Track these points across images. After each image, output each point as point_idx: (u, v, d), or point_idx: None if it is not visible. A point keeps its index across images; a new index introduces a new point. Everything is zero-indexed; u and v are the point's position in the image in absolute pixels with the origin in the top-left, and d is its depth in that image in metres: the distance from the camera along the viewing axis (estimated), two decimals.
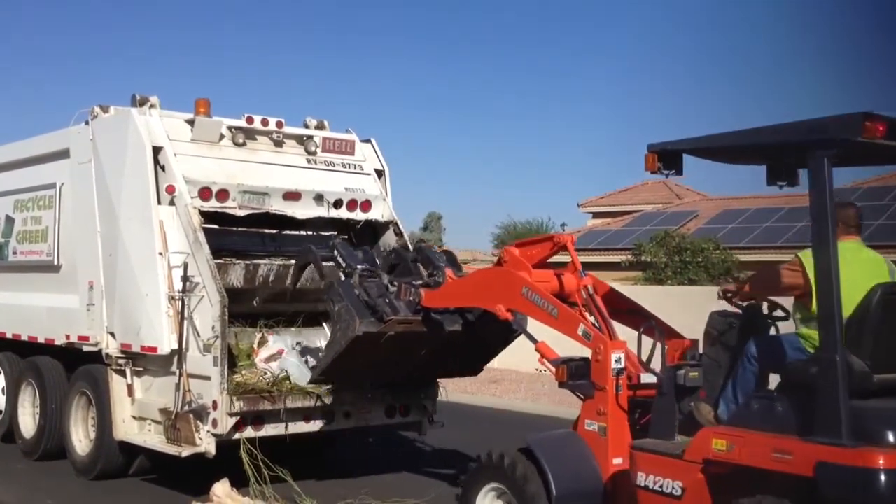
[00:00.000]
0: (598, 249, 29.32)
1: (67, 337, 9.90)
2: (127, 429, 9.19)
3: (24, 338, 10.83)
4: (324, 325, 10.55)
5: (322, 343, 10.07)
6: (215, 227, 9.08)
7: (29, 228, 10.86)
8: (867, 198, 27.93)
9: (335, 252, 8.67)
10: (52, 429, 10.25)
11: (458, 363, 9.20)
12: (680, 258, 21.07)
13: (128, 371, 9.19)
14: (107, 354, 9.28)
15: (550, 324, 6.83)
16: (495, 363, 18.28)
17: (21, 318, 10.99)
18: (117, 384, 9.24)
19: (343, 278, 8.35)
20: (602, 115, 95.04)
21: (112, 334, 9.30)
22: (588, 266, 30.22)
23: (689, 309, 16.70)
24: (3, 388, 11.46)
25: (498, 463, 6.57)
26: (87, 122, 9.86)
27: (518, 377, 18.99)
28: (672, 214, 31.09)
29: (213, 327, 8.27)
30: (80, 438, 9.86)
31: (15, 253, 11.14)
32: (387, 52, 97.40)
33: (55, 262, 10.31)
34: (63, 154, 10.27)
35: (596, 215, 36.30)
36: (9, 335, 11.22)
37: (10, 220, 11.26)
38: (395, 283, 8.24)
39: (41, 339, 10.50)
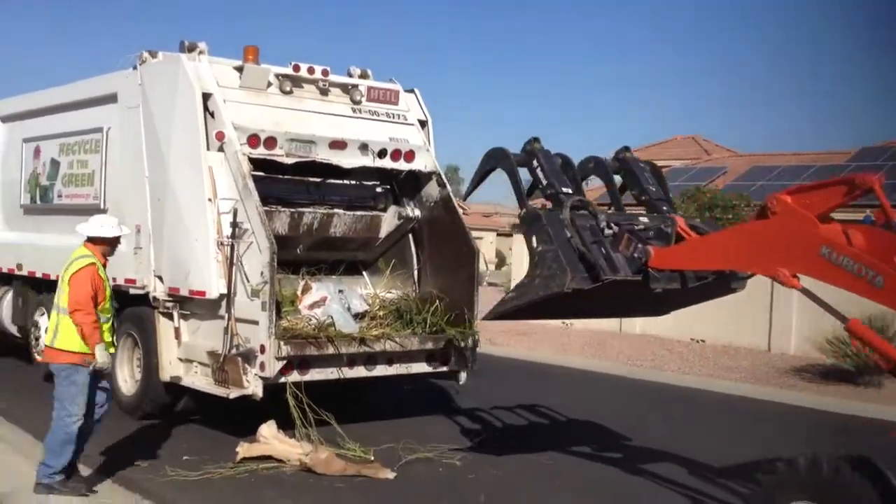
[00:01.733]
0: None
1: (114, 280, 10.01)
2: (173, 370, 9.37)
3: None
4: (363, 273, 10.73)
5: (362, 291, 10.25)
6: (261, 174, 9.17)
7: (75, 172, 10.99)
8: None
9: (534, 161, 7.38)
10: None
11: (652, 310, 9.01)
12: (711, 214, 20.97)
13: (175, 314, 9.35)
14: (154, 297, 9.44)
15: (866, 294, 5.47)
16: None
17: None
18: (164, 327, 9.41)
19: (548, 210, 7.14)
20: (632, 71, 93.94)
21: (160, 278, 9.46)
22: None
23: None
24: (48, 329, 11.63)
25: (811, 472, 5.00)
26: (135, 67, 9.93)
27: (544, 330, 19.16)
28: (701, 170, 30.87)
29: (261, 273, 8.39)
30: (126, 379, 10.07)
31: (60, 196, 11.30)
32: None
33: (101, 206, 10.42)
34: (110, 98, 10.35)
35: None
36: (54, 276, 11.37)
37: (55, 164, 11.40)
38: (614, 225, 7.06)
39: None
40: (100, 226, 7.14)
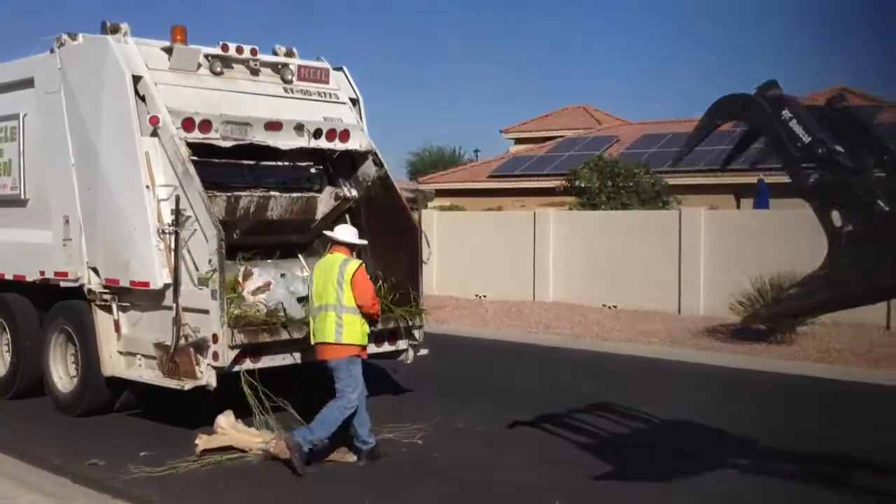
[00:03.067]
0: (524, 175, 29.65)
1: (42, 273, 9.68)
2: (115, 364, 9.09)
3: None
4: (299, 256, 10.59)
5: (301, 274, 10.11)
6: (195, 158, 8.92)
7: None
8: None
9: (784, 111, 5.82)
10: (27, 366, 10.07)
11: None
12: (612, 183, 21.50)
13: (114, 306, 9.06)
14: (89, 290, 9.12)
15: None
16: (434, 289, 18.60)
17: None
18: (102, 320, 9.11)
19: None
20: (520, 44, 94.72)
21: (94, 269, 9.14)
22: (518, 192, 30.96)
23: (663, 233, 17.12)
24: None
25: None
26: (52, 51, 9.51)
27: (456, 303, 19.31)
28: (594, 139, 31.55)
29: (209, 261, 8.20)
30: (61, 375, 9.72)
31: None
32: None
33: (21, 196, 10.01)
34: (26, 83, 9.90)
35: (518, 141, 36.55)
36: None
37: None
38: None
39: (8, 276, 10.24)
40: (354, 234, 8.14)
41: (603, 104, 48.26)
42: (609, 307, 18.39)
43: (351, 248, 8.00)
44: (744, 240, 16.94)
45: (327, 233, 8.33)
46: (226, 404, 8.28)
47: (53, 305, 9.77)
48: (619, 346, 14.57)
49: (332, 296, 7.57)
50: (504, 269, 20.22)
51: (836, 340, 14.06)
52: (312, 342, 7.79)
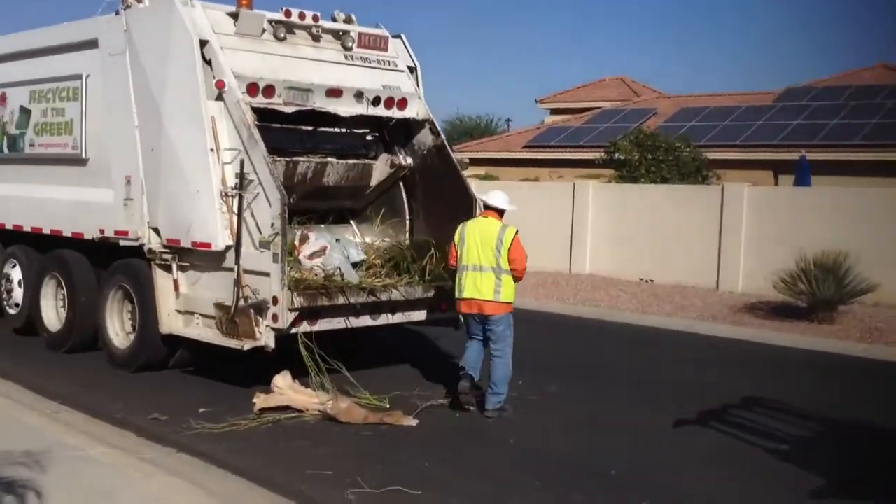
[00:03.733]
0: (560, 146, 29.61)
1: (102, 231, 9.86)
2: (172, 322, 9.27)
3: (46, 231, 10.74)
4: (351, 222, 10.73)
5: (354, 239, 10.26)
6: (259, 123, 9.02)
7: (49, 120, 10.64)
8: (822, 97, 28.63)
9: None
10: (83, 322, 10.30)
11: None
12: (653, 156, 21.45)
13: (173, 266, 9.22)
14: (150, 249, 9.29)
15: None
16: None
17: (41, 211, 10.86)
18: (162, 279, 9.27)
19: None
20: (554, 13, 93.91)
21: (155, 230, 9.30)
22: (553, 163, 30.91)
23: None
24: (20, 282, 11.37)
25: None
26: (117, 13, 9.62)
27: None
28: (631, 112, 31.39)
29: (272, 224, 8.30)
30: (117, 332, 9.94)
31: (32, 145, 10.93)
32: None
33: (82, 156, 10.17)
34: (90, 44, 10.02)
35: (554, 111, 36.42)
36: (26, 228, 11.10)
37: (25, 111, 11.01)
38: None
39: (67, 233, 10.44)
40: (508, 201, 8.55)
41: (640, 75, 47.97)
42: (646, 281, 18.43)
43: (501, 213, 8.51)
44: (786, 217, 16.92)
45: (482, 197, 8.78)
46: (275, 364, 8.47)
47: (112, 263, 9.96)
48: (659, 320, 14.63)
49: (490, 258, 8.29)
50: (541, 239, 20.21)
51: (878, 321, 14.05)
52: (458, 296, 8.48)
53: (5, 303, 11.58)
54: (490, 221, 8.48)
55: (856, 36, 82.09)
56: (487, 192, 8.76)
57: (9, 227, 11.39)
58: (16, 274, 11.44)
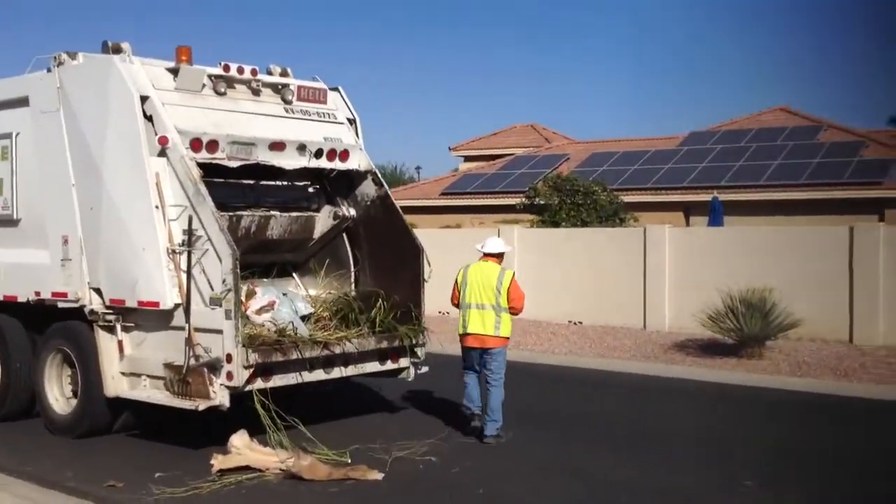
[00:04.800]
0: (478, 192, 29.92)
1: (38, 294, 9.54)
2: (117, 385, 8.98)
3: None
4: (293, 275, 10.63)
5: (298, 292, 10.16)
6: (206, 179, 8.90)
7: None
8: (725, 140, 29.68)
9: None
10: (19, 388, 9.92)
11: None
12: (571, 200, 21.83)
13: (117, 327, 8.97)
14: (91, 311, 9.02)
15: None
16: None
17: None
18: (105, 340, 9.00)
19: None
20: (461, 61, 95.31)
21: (97, 290, 9.04)
22: (472, 209, 31.14)
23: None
24: None
25: None
26: (49, 70, 9.41)
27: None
28: (544, 157, 31.98)
29: (223, 280, 8.19)
30: (57, 397, 9.58)
31: None
32: None
33: (13, 216, 9.86)
34: (19, 102, 9.77)
35: (467, 159, 36.83)
36: None
37: None
38: None
39: None
40: (503, 244, 9.59)
41: (548, 121, 48.98)
42: (575, 323, 18.66)
43: (500, 257, 9.42)
44: (707, 256, 17.39)
45: (479, 247, 9.52)
46: (225, 423, 8.32)
47: (50, 326, 9.62)
48: (594, 361, 14.81)
49: (491, 297, 9.13)
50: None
51: (804, 355, 14.49)
52: (463, 332, 9.29)
53: None
54: (490, 265, 9.32)
55: (755, 80, 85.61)
56: (485, 241, 9.57)
57: None
58: None
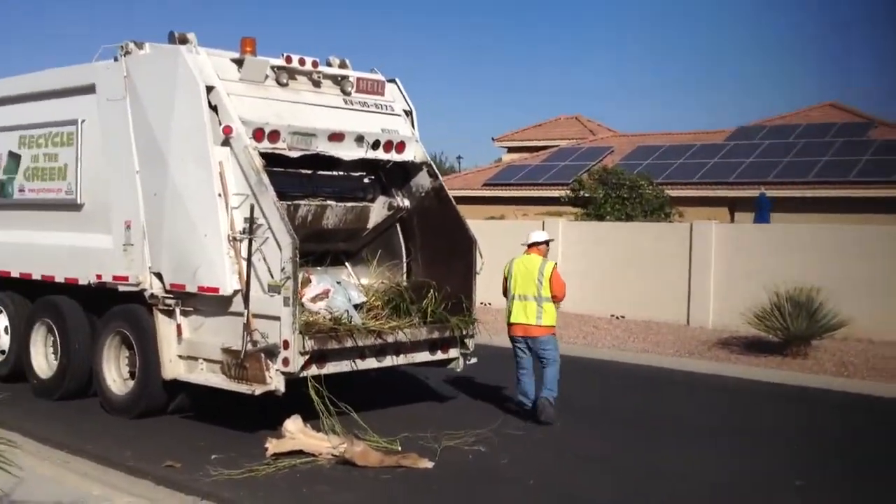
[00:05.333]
0: (521, 184, 29.97)
1: (99, 277, 9.79)
2: (174, 368, 9.21)
3: (37, 276, 10.61)
4: (346, 264, 10.80)
5: (351, 280, 10.32)
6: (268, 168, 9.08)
7: (41, 165, 10.56)
8: (773, 135, 29.44)
9: None
10: (77, 368, 10.18)
11: None
12: (617, 194, 21.85)
13: (176, 311, 9.19)
14: (152, 294, 9.25)
15: None
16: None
17: (31, 257, 10.73)
18: (164, 324, 9.23)
19: None
20: (507, 52, 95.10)
21: (157, 275, 9.27)
22: (515, 201, 31.17)
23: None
24: (7, 328, 11.21)
25: None
26: (116, 59, 9.63)
27: None
28: (589, 150, 31.93)
29: (282, 269, 8.37)
30: (114, 378, 9.83)
31: (22, 190, 10.83)
32: None
33: (77, 200, 10.11)
34: (86, 90, 10.00)
35: (511, 150, 36.87)
36: (15, 274, 10.95)
37: (13, 157, 10.92)
38: None
39: (59, 279, 10.33)
40: (545, 234, 10.21)
41: (593, 113, 48.86)
42: (618, 317, 18.70)
43: (545, 246, 9.96)
44: (753, 253, 17.35)
45: (525, 243, 9.96)
46: (276, 408, 8.54)
47: (109, 309, 9.88)
48: (637, 356, 14.87)
49: (533, 289, 9.60)
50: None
51: (850, 355, 14.44)
52: (510, 322, 9.78)
53: None
54: (533, 257, 9.82)
55: (803, 75, 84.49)
56: (529, 234, 10.11)
57: None
58: (2, 321, 11.27)
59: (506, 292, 9.91)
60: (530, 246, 9.91)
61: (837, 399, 11.77)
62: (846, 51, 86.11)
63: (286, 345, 8.36)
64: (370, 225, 10.42)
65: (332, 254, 10.68)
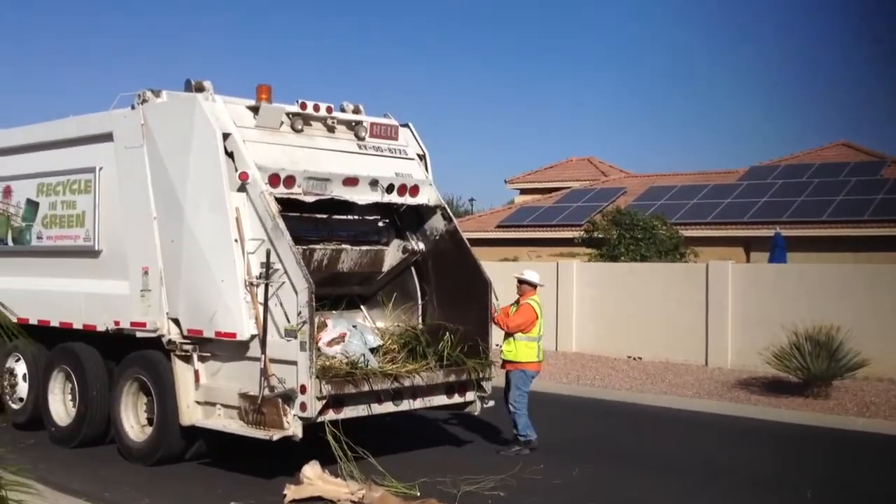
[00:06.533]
0: (534, 225, 29.97)
1: (117, 323, 9.82)
2: (192, 414, 9.21)
3: (55, 323, 10.65)
4: (361, 308, 10.80)
5: (366, 324, 10.31)
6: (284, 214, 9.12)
7: (59, 213, 10.65)
8: (786, 175, 29.42)
9: None
10: (94, 415, 10.17)
11: None
12: (631, 235, 21.84)
13: (194, 356, 9.20)
14: (169, 340, 9.26)
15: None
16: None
17: (49, 304, 10.77)
18: (181, 370, 9.24)
19: None
20: (513, 96, 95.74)
21: (175, 320, 9.29)
22: (528, 242, 31.13)
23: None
24: (25, 375, 11.24)
25: None
26: (133, 107, 9.75)
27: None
28: (601, 191, 31.95)
29: (299, 313, 8.39)
30: (132, 425, 9.84)
31: (40, 237, 10.91)
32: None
33: (95, 247, 10.18)
34: (103, 138, 10.11)
35: (523, 191, 36.95)
36: (33, 321, 10.97)
37: (32, 204, 11.01)
38: None
39: (78, 325, 10.36)
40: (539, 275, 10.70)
41: (605, 155, 48.93)
42: (635, 358, 18.59)
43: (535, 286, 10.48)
44: (770, 293, 17.25)
45: (539, 283, 10.58)
46: (292, 454, 8.53)
47: (127, 355, 9.90)
48: (655, 398, 14.74)
49: (541, 329, 10.41)
50: None
51: (871, 395, 14.29)
52: (535, 360, 10.39)
53: (8, 397, 11.39)
54: (535, 297, 10.46)
55: (822, 114, 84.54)
56: (534, 274, 10.61)
57: (13, 320, 11.24)
58: (20, 368, 11.30)
59: (523, 330, 10.22)
60: (534, 286, 10.43)
61: (858, 439, 11.66)
62: (858, 90, 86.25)
63: (303, 389, 8.35)
64: (385, 268, 10.44)
65: (348, 297, 10.69)
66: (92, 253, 10.25)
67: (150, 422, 9.68)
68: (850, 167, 28.70)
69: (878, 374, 15.37)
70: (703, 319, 17.90)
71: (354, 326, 9.85)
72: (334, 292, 10.32)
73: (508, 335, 10.27)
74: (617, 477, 9.43)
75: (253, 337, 8.68)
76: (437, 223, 10.41)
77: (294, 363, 8.42)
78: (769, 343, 15.12)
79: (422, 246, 10.46)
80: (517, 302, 10.42)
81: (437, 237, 10.40)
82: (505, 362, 10.33)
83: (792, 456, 10.72)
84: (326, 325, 9.60)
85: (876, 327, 15.58)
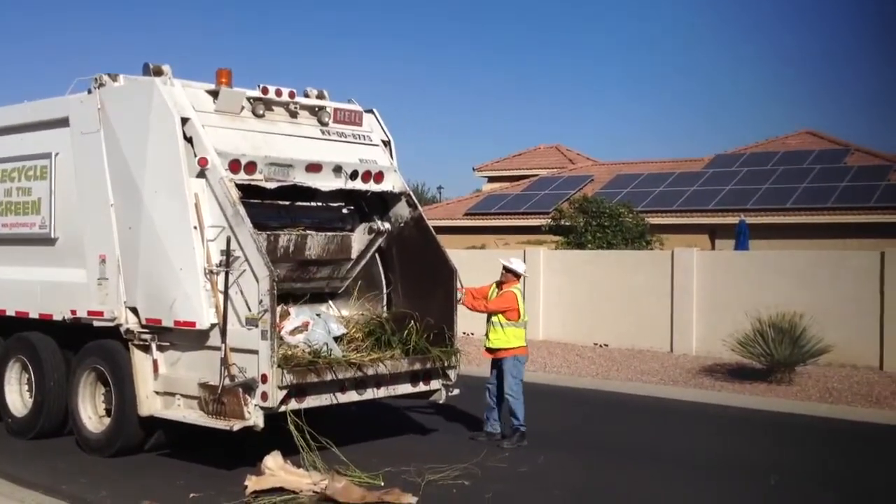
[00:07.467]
0: (502, 213, 29.95)
1: (73, 312, 9.61)
2: (151, 404, 9.03)
3: (11, 313, 10.42)
4: (329, 301, 10.64)
5: (331, 312, 10.18)
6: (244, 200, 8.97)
7: (14, 200, 10.41)
8: (751, 163, 29.59)
9: None
10: (52, 406, 9.96)
11: None
12: (597, 222, 21.85)
13: (152, 346, 9.02)
14: (127, 330, 9.08)
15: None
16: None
17: (5, 293, 10.53)
18: (140, 359, 9.05)
19: None
20: (484, 81, 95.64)
21: (133, 309, 9.11)
22: (496, 230, 31.22)
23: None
24: None
25: None
26: (89, 91, 9.52)
27: None
28: (568, 179, 31.99)
29: (260, 301, 8.24)
30: (90, 415, 9.64)
31: None
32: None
33: (51, 234, 9.95)
34: (59, 123, 9.88)
35: (491, 179, 36.90)
36: None
37: None
38: None
39: (34, 315, 10.14)
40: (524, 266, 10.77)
41: (572, 143, 48.96)
42: (601, 345, 18.61)
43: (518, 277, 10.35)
44: (735, 280, 17.33)
45: (523, 270, 10.54)
46: (253, 444, 8.41)
47: (84, 345, 9.70)
48: (622, 385, 14.75)
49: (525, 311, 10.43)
50: None
51: (834, 381, 14.39)
52: (523, 345, 10.36)
53: None
54: (517, 286, 10.38)
55: (786, 101, 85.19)
56: (520, 262, 10.56)
57: None
58: None
59: (514, 315, 10.16)
60: (518, 276, 10.27)
61: (821, 425, 11.71)
62: (824, 77, 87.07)
63: (264, 379, 8.21)
64: (354, 254, 10.29)
65: (314, 284, 10.52)
66: (48, 241, 10.02)
67: (108, 412, 9.49)
68: (815, 155, 28.93)
69: (840, 361, 15.49)
70: (668, 306, 17.96)
71: (318, 315, 9.71)
72: (307, 287, 10.12)
73: (495, 325, 10.09)
74: (583, 464, 9.39)
75: (213, 326, 8.52)
76: (402, 210, 10.28)
77: (255, 352, 8.27)
78: (733, 330, 15.19)
79: (388, 226, 10.30)
80: (499, 286, 10.28)
81: (402, 224, 10.28)
82: (494, 350, 10.13)
83: (755, 442, 10.74)
84: (289, 314, 9.45)
85: (839, 314, 15.69)
